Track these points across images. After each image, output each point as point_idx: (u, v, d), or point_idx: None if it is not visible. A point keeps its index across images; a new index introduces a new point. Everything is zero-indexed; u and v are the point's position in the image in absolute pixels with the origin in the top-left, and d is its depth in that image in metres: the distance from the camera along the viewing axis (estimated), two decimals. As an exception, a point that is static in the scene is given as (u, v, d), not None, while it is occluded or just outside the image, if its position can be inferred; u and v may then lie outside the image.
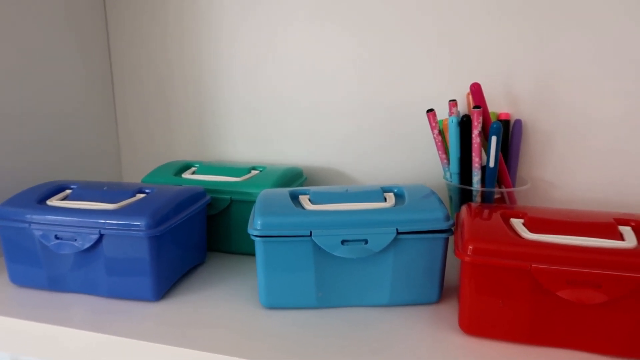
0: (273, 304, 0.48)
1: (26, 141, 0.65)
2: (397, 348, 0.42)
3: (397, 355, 0.41)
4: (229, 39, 0.73)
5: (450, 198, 0.61)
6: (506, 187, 0.59)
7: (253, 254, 0.60)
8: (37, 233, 0.50)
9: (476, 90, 0.56)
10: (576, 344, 0.41)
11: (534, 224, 0.44)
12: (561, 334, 0.41)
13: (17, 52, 0.64)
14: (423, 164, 0.69)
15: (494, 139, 0.54)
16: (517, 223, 0.45)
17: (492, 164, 0.55)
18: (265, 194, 0.53)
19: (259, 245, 0.47)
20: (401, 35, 0.66)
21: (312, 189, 0.53)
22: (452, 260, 0.58)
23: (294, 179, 0.66)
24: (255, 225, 0.47)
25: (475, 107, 0.55)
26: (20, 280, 0.53)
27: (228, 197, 0.60)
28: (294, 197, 0.52)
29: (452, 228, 0.47)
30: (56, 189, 0.56)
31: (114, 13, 0.78)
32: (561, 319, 0.41)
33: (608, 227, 0.43)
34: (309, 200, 0.51)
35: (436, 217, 0.47)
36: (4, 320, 0.48)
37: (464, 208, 0.50)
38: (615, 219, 0.45)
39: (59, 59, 0.70)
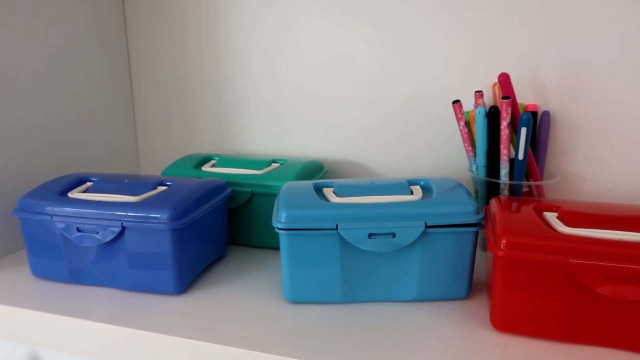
0: (297, 299, 0.47)
1: (45, 137, 0.65)
2: (426, 344, 0.41)
3: (426, 352, 0.40)
4: (246, 31, 0.72)
5: (476, 191, 0.60)
6: (534, 181, 0.57)
7: (274, 248, 0.60)
8: (59, 225, 0.49)
9: (504, 81, 0.55)
10: (615, 342, 0.40)
11: (568, 218, 0.43)
12: (599, 332, 0.40)
13: (39, 50, 0.63)
14: (445, 156, 0.68)
15: (523, 130, 0.52)
16: (551, 217, 0.44)
17: (521, 156, 0.54)
18: (288, 186, 0.52)
19: (284, 239, 0.46)
20: (422, 24, 0.64)
21: (337, 181, 0.52)
22: (480, 255, 0.57)
23: (315, 172, 0.65)
24: (280, 218, 0.45)
25: (504, 97, 0.53)
26: (42, 273, 0.53)
27: (249, 190, 0.59)
28: (318, 190, 0.51)
29: (482, 222, 0.46)
30: (77, 182, 0.55)
31: (131, 8, 0.77)
32: (599, 316, 0.39)
33: (647, 221, 0.42)
34: (334, 192, 0.50)
35: (466, 210, 0.45)
36: (25, 312, 0.48)
37: (493, 201, 0.49)
38: (654, 213, 0.43)
39: (78, 55, 0.69)
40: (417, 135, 0.68)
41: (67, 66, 0.68)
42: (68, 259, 0.51)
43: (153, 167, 0.83)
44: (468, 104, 0.62)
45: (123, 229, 0.48)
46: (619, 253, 0.38)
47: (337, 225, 0.45)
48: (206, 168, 0.64)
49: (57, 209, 0.50)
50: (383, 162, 0.71)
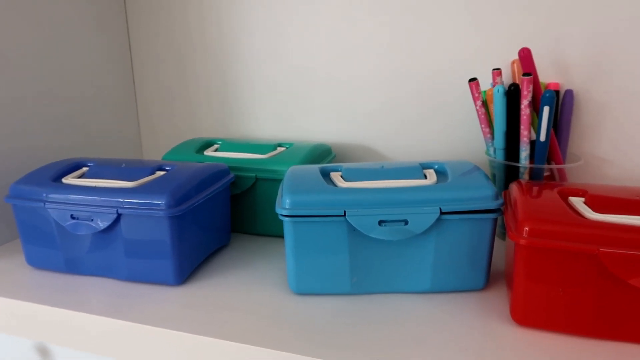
0: (303, 290, 0.45)
1: (43, 121, 0.63)
2: (440, 339, 0.38)
3: (440, 347, 0.37)
4: (251, 10, 0.69)
5: (494, 176, 0.56)
6: (557, 164, 0.53)
7: (280, 236, 0.57)
8: (52, 212, 0.47)
9: (525, 56, 0.51)
10: (648, 339, 0.36)
11: (597, 203, 0.39)
12: (632, 328, 0.36)
13: (36, 31, 0.61)
14: (460, 139, 0.64)
15: (546, 109, 0.49)
16: (578, 202, 0.40)
17: (543, 137, 0.50)
18: (293, 170, 0.48)
19: (288, 226, 0.43)
20: (435, -2, 0.61)
21: (345, 165, 0.49)
22: (497, 244, 0.53)
23: (322, 156, 0.62)
24: (284, 204, 0.43)
25: (525, 74, 0.49)
26: (36, 262, 0.50)
27: (253, 175, 0.56)
28: (325, 174, 0.48)
29: (502, 208, 0.42)
30: (73, 167, 0.53)
31: (131, -17, 0.74)
32: (632, 310, 0.36)
33: (685, 206, 0.38)
34: (342, 177, 0.47)
35: (484, 195, 0.42)
36: (20, 304, 0.46)
37: (513, 185, 0.45)
38: (691, 198, 0.39)
39: (75, 35, 0.67)
40: (431, 117, 0.65)
41: (64, 47, 0.65)
42: (63, 247, 0.48)
43: (156, 152, 0.80)
44: (485, 83, 0.58)
45: (119, 216, 0.45)
46: (655, 241, 0.34)
47: (344, 212, 0.41)
48: (208, 152, 0.61)
49: (50, 195, 0.47)
50: (395, 145, 0.67)
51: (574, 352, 0.36)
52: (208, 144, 0.65)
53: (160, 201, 0.44)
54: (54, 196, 0.47)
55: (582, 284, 0.36)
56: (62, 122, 0.65)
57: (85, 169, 0.53)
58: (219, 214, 0.53)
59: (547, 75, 0.58)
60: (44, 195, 0.47)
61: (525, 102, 0.50)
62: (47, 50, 0.63)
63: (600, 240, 0.35)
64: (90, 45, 0.69)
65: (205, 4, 0.71)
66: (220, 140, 0.66)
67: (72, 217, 0.46)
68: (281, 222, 0.43)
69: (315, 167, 0.49)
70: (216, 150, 0.62)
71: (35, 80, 0.61)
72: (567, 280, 0.37)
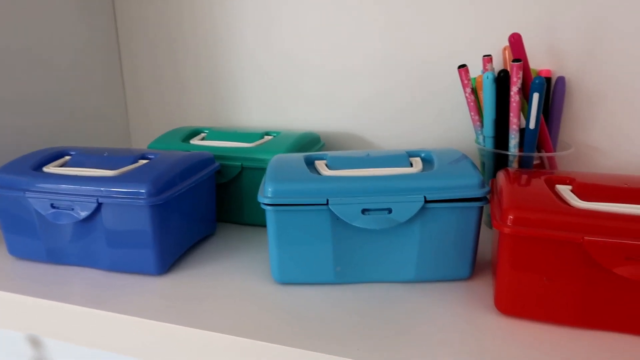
0: (286, 279, 0.44)
1: (29, 108, 0.62)
2: (425, 328, 0.37)
3: (425, 336, 0.36)
4: (240, -6, 0.68)
5: (483, 164, 0.55)
6: (546, 152, 0.53)
7: (266, 226, 0.56)
8: (33, 202, 0.46)
9: (516, 42, 0.50)
10: (634, 328, 0.36)
11: (584, 191, 0.39)
12: (616, 317, 0.36)
13: (18, 12, 0.59)
14: (451, 128, 0.63)
15: (535, 96, 0.48)
16: (565, 190, 0.40)
17: (532, 125, 0.49)
18: (277, 159, 0.48)
19: (270, 215, 0.42)
20: (428, -16, 0.59)
21: (330, 153, 0.48)
22: (485, 233, 0.53)
23: (310, 144, 0.61)
24: (266, 192, 0.42)
25: (515, 60, 0.48)
26: (18, 252, 0.50)
27: (239, 164, 0.55)
28: (310, 163, 0.47)
29: (488, 196, 0.42)
30: (54, 155, 0.52)
31: (118, -31, 0.73)
32: (617, 299, 0.35)
33: (673, 194, 0.37)
34: (326, 165, 0.46)
35: (470, 183, 0.41)
36: (2, 295, 0.45)
37: (500, 174, 0.45)
38: (680, 185, 0.39)
39: (59, 19, 0.65)
40: (422, 105, 0.64)
41: (47, 31, 0.64)
42: (45, 237, 0.48)
43: (145, 141, 0.79)
44: (476, 70, 0.57)
45: (99, 205, 0.44)
46: (641, 230, 0.34)
47: (327, 200, 0.41)
48: (195, 141, 0.60)
49: (31, 185, 0.46)
50: (385, 134, 0.67)
51: (557, 342, 0.36)
52: (195, 133, 0.64)
53: (140, 190, 0.43)
54: (35, 185, 0.46)
55: (567, 273, 0.36)
56: (43, 108, 0.64)
57: (67, 157, 0.52)
58: (203, 203, 0.52)
59: (539, 62, 0.57)
60: (25, 184, 0.47)
61: (514, 89, 0.49)
62: (30, 33, 0.62)
63: (585, 229, 0.34)
64: (74, 30, 0.68)
65: (192, -10, 0.70)
66: (207, 128, 0.65)
67: (53, 206, 0.46)
68: (266, 212, 0.43)
69: (300, 156, 0.48)
70: (203, 138, 0.62)
71: (18, 65, 0.60)
72: (551, 269, 0.36)
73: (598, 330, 0.37)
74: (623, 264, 0.34)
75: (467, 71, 0.53)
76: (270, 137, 0.60)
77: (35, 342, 0.83)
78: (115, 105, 0.76)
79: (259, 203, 0.42)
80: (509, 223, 0.36)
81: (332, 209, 0.41)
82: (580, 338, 0.36)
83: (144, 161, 0.50)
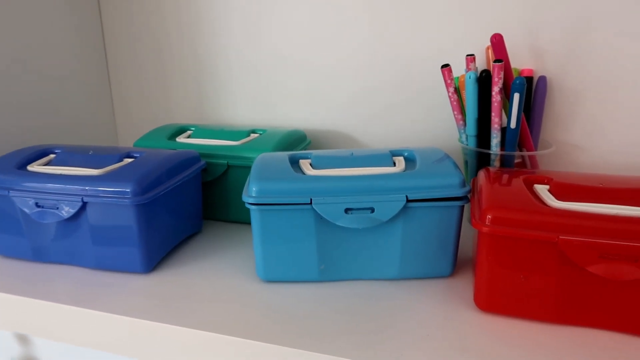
0: (271, 277, 0.45)
1: (14, 106, 0.61)
2: (406, 325, 0.38)
3: (406, 333, 0.37)
4: (226, -9, 0.68)
5: (466, 163, 0.56)
6: (527, 151, 0.53)
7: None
8: (17, 201, 0.46)
9: (497, 42, 0.51)
10: (608, 324, 0.37)
11: (561, 191, 0.40)
12: (591, 313, 0.37)
13: (2, 10, 0.59)
14: (437, 126, 0.64)
15: (516, 96, 0.49)
16: (542, 189, 0.41)
17: (513, 124, 0.50)
18: (262, 158, 0.48)
19: (255, 214, 0.43)
20: (414, -16, 0.60)
21: (314, 152, 0.49)
22: (466, 231, 0.53)
23: (296, 142, 0.61)
24: (250, 192, 0.42)
25: (496, 60, 0.49)
26: (4, 250, 0.50)
27: (225, 162, 0.55)
28: (294, 162, 0.48)
29: (469, 195, 0.43)
30: (39, 154, 0.52)
31: (103, -35, 0.73)
32: (591, 296, 0.36)
33: (646, 193, 0.38)
34: (311, 164, 0.47)
35: (450, 182, 0.42)
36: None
37: (481, 173, 0.45)
38: (654, 185, 0.40)
39: (44, 17, 0.65)
40: (407, 104, 0.64)
41: (32, 31, 0.63)
42: (30, 236, 0.48)
43: (132, 138, 0.79)
44: (461, 70, 0.58)
45: (84, 204, 0.45)
46: (614, 229, 0.35)
47: (311, 200, 0.41)
48: (181, 139, 0.60)
49: (15, 183, 0.46)
50: (371, 132, 0.67)
51: (534, 337, 0.37)
52: (181, 130, 0.64)
53: (125, 189, 0.44)
54: (19, 184, 0.46)
55: (543, 271, 0.37)
56: (30, 107, 0.64)
57: (52, 156, 0.52)
58: (189, 201, 0.53)
59: (522, 61, 0.58)
60: (9, 183, 0.47)
61: (495, 89, 0.49)
62: (15, 33, 0.61)
63: (560, 228, 0.35)
64: (60, 27, 0.68)
65: (178, -13, 0.70)
66: (193, 126, 0.65)
67: (38, 205, 0.46)
68: (251, 210, 0.43)
69: (285, 155, 0.49)
70: (189, 136, 0.62)
71: (2, 65, 0.60)
72: (528, 267, 0.37)
73: (573, 326, 0.38)
74: (597, 262, 0.35)
75: (450, 71, 0.53)
76: (256, 135, 0.61)
77: (23, 340, 0.83)
78: (101, 103, 0.76)
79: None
80: (487, 222, 0.37)
81: (316, 209, 0.41)
82: (556, 334, 0.37)
83: (129, 160, 0.50)
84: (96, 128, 0.76)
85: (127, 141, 0.80)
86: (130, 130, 0.79)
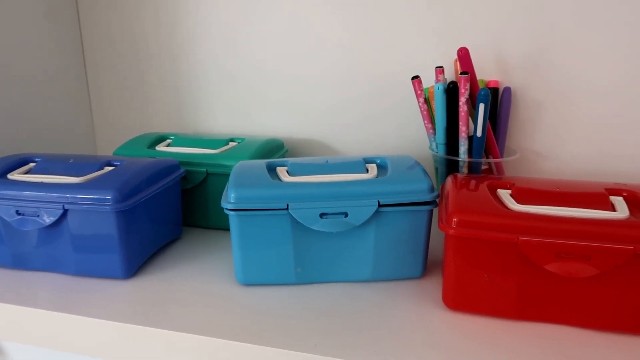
0: (250, 281, 0.46)
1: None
2: (379, 324, 0.40)
3: (379, 331, 0.39)
4: (207, 2, 0.69)
5: (437, 170, 0.59)
6: (494, 158, 0.56)
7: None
8: (-2, 209, 0.47)
9: (463, 55, 0.53)
10: (565, 319, 0.39)
11: (521, 195, 0.42)
12: (549, 309, 0.39)
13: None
14: (410, 135, 0.67)
15: (481, 106, 0.51)
16: (504, 194, 0.43)
17: (479, 133, 0.53)
18: (240, 165, 0.50)
19: (233, 220, 0.44)
20: (387, 1, 0.62)
21: (291, 160, 0.50)
22: (437, 235, 0.56)
23: (274, 150, 0.63)
24: (229, 198, 0.44)
25: (463, 73, 0.52)
26: (-17, 258, 0.50)
27: (204, 169, 0.57)
28: (271, 169, 0.49)
29: (437, 200, 0.45)
30: (19, 162, 0.53)
31: (82, -24, 0.74)
32: (549, 293, 0.39)
33: (599, 197, 0.41)
34: (287, 172, 0.48)
35: (419, 188, 0.44)
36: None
37: (449, 179, 0.48)
38: (606, 189, 0.43)
39: (22, 23, 0.66)
40: (382, 114, 0.67)
41: (11, 39, 0.64)
42: (10, 243, 0.48)
43: (111, 147, 0.80)
44: (432, 81, 0.61)
45: (65, 211, 0.46)
46: (569, 230, 0.37)
47: (287, 205, 0.43)
48: (160, 148, 0.62)
49: (-4, 192, 0.47)
50: (347, 141, 0.69)
51: (497, 333, 0.39)
52: (161, 139, 0.65)
53: (106, 196, 0.45)
54: (0, 192, 0.47)
55: (505, 270, 0.39)
56: (7, 116, 0.64)
57: (32, 164, 0.53)
58: (169, 208, 0.54)
59: (489, 73, 0.61)
60: (-11, 191, 0.47)
61: (462, 99, 0.52)
62: (-7, 43, 0.62)
63: (519, 230, 0.38)
64: (37, 33, 0.68)
65: (158, -1, 0.71)
66: (173, 135, 0.66)
67: (18, 213, 0.46)
68: (228, 215, 0.45)
69: (262, 162, 0.50)
70: (168, 145, 0.63)
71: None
72: (492, 267, 0.39)
73: (533, 321, 0.40)
74: (553, 261, 0.37)
75: (420, 82, 0.56)
76: (234, 144, 0.62)
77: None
78: (80, 112, 0.77)
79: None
80: (453, 225, 0.39)
81: (292, 214, 0.43)
82: (517, 329, 0.39)
83: (110, 168, 0.51)
84: (75, 137, 0.76)
85: (105, 150, 0.80)
86: (109, 138, 0.80)
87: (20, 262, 0.49)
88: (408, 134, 0.67)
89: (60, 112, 0.73)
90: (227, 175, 0.56)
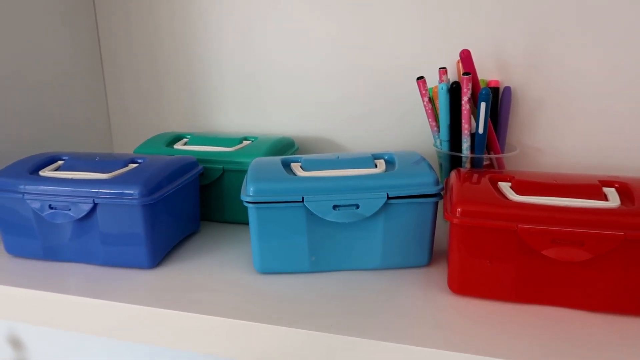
0: (267, 269, 0.49)
1: (8, 115, 0.65)
2: (390, 308, 0.43)
3: (390, 314, 0.42)
4: (222, 1, 0.72)
5: (441, 165, 0.62)
6: (495, 154, 0.60)
7: (246, 223, 0.61)
8: (31, 203, 0.50)
9: (466, 57, 0.57)
10: (561, 301, 0.43)
11: (520, 187, 0.45)
12: (546, 292, 0.43)
13: None
14: (412, 131, 0.70)
15: (482, 105, 0.55)
16: (505, 186, 0.46)
17: (481, 130, 0.56)
18: (257, 162, 0.53)
19: (252, 212, 0.47)
20: (392, 1, 0.66)
21: (304, 156, 0.54)
22: (441, 226, 0.59)
23: (285, 148, 0.66)
24: (248, 191, 0.47)
25: (465, 73, 0.55)
26: (15, 250, 0.54)
27: (220, 167, 0.60)
28: (286, 165, 0.53)
29: (442, 192, 0.48)
30: (48, 160, 0.56)
31: (100, -18, 0.77)
32: (546, 277, 0.42)
33: (592, 188, 0.44)
34: (301, 167, 0.52)
35: (426, 181, 0.48)
36: (1, 288, 0.49)
37: (453, 173, 0.51)
38: (600, 181, 0.46)
39: (40, 24, 0.69)
40: (386, 110, 0.70)
41: (30, 43, 0.67)
42: (42, 236, 0.52)
43: (127, 145, 0.83)
44: (434, 81, 0.64)
45: (95, 205, 0.49)
46: (564, 218, 0.40)
47: (302, 198, 0.46)
48: (178, 146, 0.65)
49: (29, 187, 0.50)
50: (353, 137, 0.73)
51: (498, 315, 0.42)
52: (178, 138, 0.69)
53: (133, 191, 0.48)
54: (33, 188, 0.50)
55: (506, 256, 0.42)
56: (27, 115, 0.67)
57: (60, 162, 0.56)
58: (189, 202, 0.57)
59: (490, 73, 0.65)
60: (23, 187, 0.50)
61: (465, 99, 0.55)
62: (14, 44, 0.65)
63: (519, 218, 0.41)
64: (55, 34, 0.71)
65: None
66: (189, 134, 0.69)
67: (51, 207, 0.50)
68: (247, 210, 0.48)
69: (277, 159, 0.54)
70: (185, 143, 0.66)
71: (2, 76, 0.63)
72: (493, 253, 0.43)
73: (533, 304, 0.43)
74: (550, 247, 0.41)
75: (424, 82, 0.59)
76: (248, 142, 0.66)
77: (16, 344, 0.85)
78: (97, 112, 0.80)
79: (240, 203, 0.48)
80: (457, 215, 0.42)
81: (307, 206, 0.46)
82: (517, 311, 0.43)
83: (134, 165, 0.54)
84: (92, 136, 0.79)
85: (121, 148, 0.84)
86: (125, 138, 0.83)
87: (50, 254, 0.52)
88: (410, 130, 0.70)
89: (78, 112, 0.76)
90: (242, 172, 0.59)
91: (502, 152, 0.61)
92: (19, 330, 0.79)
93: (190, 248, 0.56)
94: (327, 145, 0.74)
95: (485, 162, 0.59)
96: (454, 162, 0.59)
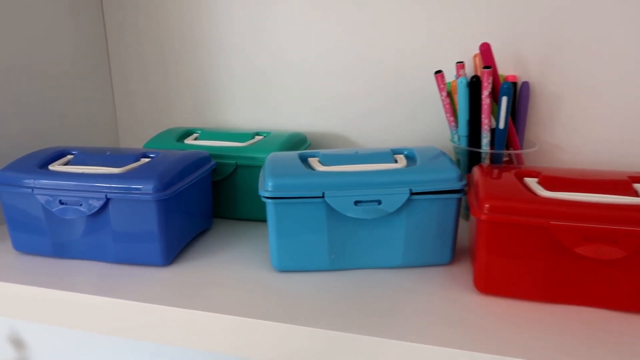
0: (285, 267, 0.48)
1: (14, 109, 0.63)
2: (413, 306, 0.42)
3: (412, 316, 0.41)
4: None
5: (458, 161, 0.61)
6: (514, 150, 0.58)
7: (259, 220, 0.60)
8: (41, 198, 0.48)
9: (485, 50, 0.55)
10: (593, 301, 0.41)
11: (548, 183, 0.44)
12: (578, 291, 0.41)
13: (2, 15, 0.61)
14: (426, 127, 0.68)
15: (504, 99, 0.53)
16: (532, 182, 0.45)
17: (502, 125, 0.55)
18: (274, 156, 0.52)
19: (270, 207, 0.46)
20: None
21: (322, 151, 0.52)
22: (462, 222, 0.58)
23: (298, 144, 0.65)
24: (267, 186, 0.46)
25: (485, 67, 0.54)
26: (23, 247, 0.52)
27: (233, 162, 0.59)
28: (304, 160, 0.51)
29: (465, 188, 0.47)
30: (57, 154, 0.54)
31: (106, -26, 0.75)
32: (578, 276, 0.41)
33: (623, 184, 0.43)
34: (319, 162, 0.50)
35: (449, 177, 0.46)
36: (8, 286, 0.47)
37: (475, 169, 0.50)
38: (629, 177, 0.45)
39: (47, 19, 0.67)
40: (399, 105, 0.69)
41: (37, 37, 0.66)
42: (51, 232, 0.50)
43: (133, 141, 0.82)
44: (450, 75, 0.62)
45: (107, 200, 0.47)
46: (597, 215, 0.39)
47: (323, 193, 0.45)
48: (189, 141, 0.63)
49: (38, 182, 0.49)
50: (365, 132, 0.71)
51: (528, 315, 0.41)
52: (188, 133, 0.67)
53: (147, 186, 0.46)
54: (42, 182, 0.49)
55: (535, 254, 0.41)
56: (33, 110, 0.66)
57: (70, 156, 0.55)
58: (201, 199, 0.56)
59: (506, 68, 0.63)
60: (32, 181, 0.49)
61: (485, 93, 0.54)
62: (20, 39, 0.63)
63: (550, 215, 0.40)
64: (61, 29, 0.70)
65: (181, -3, 0.73)
66: (198, 129, 0.68)
67: (61, 202, 0.48)
68: (261, 206, 0.46)
69: (294, 153, 0.52)
70: (196, 139, 0.65)
71: (9, 71, 0.62)
72: (522, 251, 0.41)
73: (563, 304, 0.42)
74: (582, 244, 0.39)
75: (442, 77, 0.58)
76: (261, 137, 0.64)
77: (17, 344, 0.84)
78: (104, 107, 0.78)
79: (252, 199, 0.46)
80: (485, 211, 0.41)
81: (328, 201, 0.45)
82: (547, 312, 0.41)
83: (146, 159, 0.53)
84: (99, 130, 0.78)
85: (128, 144, 0.82)
86: (132, 133, 0.81)
87: (60, 251, 0.51)
88: (424, 125, 0.68)
89: (84, 107, 0.74)
90: (256, 167, 0.58)
91: (521, 149, 0.59)
92: (20, 330, 0.77)
93: (204, 245, 0.55)
94: (339, 140, 0.72)
95: (505, 159, 0.58)
96: (473, 158, 0.58)
